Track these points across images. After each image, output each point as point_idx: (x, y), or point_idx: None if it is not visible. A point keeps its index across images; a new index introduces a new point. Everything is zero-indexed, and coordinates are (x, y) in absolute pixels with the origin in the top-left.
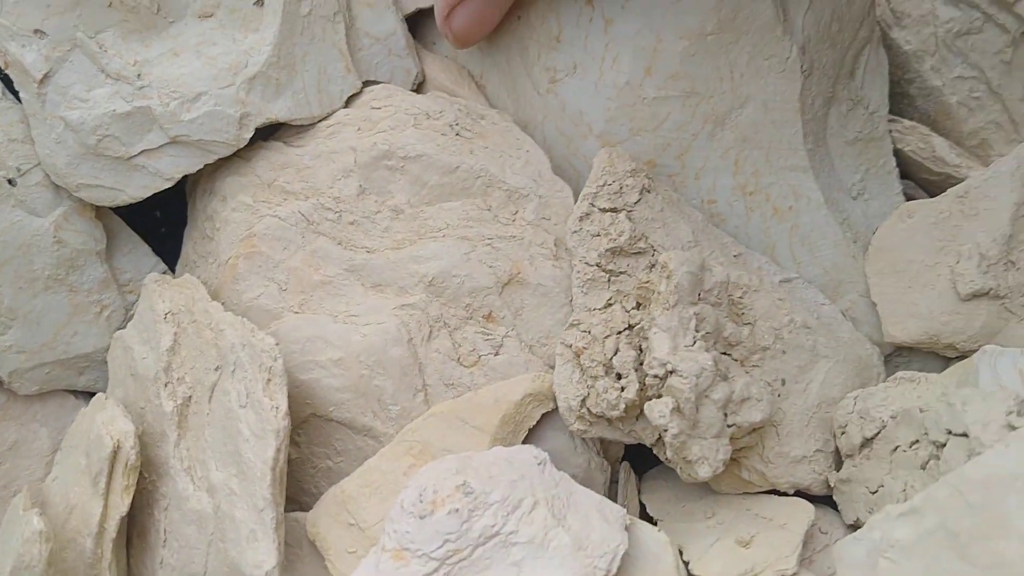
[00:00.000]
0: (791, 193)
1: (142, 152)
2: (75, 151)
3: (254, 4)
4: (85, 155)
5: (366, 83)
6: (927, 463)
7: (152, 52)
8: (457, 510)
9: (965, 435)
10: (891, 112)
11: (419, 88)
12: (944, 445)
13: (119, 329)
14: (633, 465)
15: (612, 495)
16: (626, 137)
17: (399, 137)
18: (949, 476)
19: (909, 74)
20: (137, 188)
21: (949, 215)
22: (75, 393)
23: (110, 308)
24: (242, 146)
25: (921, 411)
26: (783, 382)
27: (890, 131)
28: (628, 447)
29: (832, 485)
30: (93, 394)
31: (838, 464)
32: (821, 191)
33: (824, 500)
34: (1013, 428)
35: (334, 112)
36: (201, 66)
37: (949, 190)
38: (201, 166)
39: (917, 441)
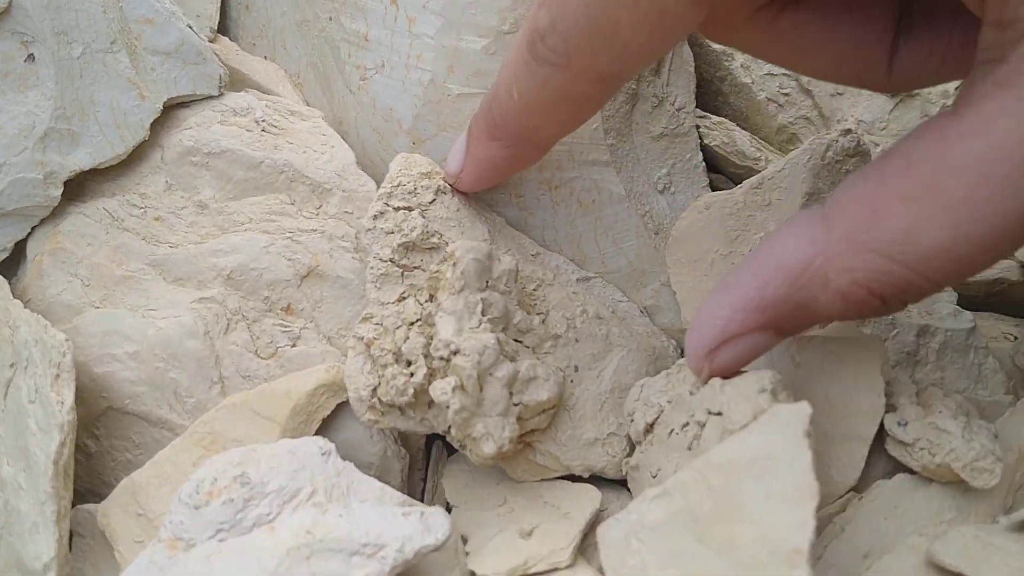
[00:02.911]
0: (594, 187)
1: None
2: None
3: (25, 61)
4: None
5: (169, 103)
6: (692, 444)
7: None
8: (232, 500)
9: (720, 414)
10: (706, 110)
11: (230, 87)
12: (705, 425)
13: None
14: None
15: (415, 481)
16: (434, 133)
17: (205, 133)
18: (697, 460)
19: (720, 72)
20: None
21: (744, 206)
22: None
23: None
24: (56, 204)
25: (691, 393)
26: (576, 368)
27: (697, 127)
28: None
29: (624, 472)
30: None
31: (633, 450)
32: (623, 184)
33: (624, 484)
34: (761, 409)
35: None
36: None
37: (744, 182)
38: (29, 230)
39: (687, 423)
